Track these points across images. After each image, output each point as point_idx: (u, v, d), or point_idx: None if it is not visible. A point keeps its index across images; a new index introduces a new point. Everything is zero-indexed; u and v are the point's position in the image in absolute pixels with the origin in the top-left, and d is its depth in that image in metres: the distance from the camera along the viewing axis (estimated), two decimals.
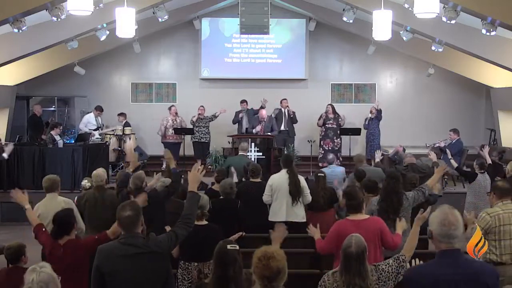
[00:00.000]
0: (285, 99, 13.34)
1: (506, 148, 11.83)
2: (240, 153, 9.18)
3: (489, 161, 8.68)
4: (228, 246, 3.41)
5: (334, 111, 13.29)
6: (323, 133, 13.25)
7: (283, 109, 13.27)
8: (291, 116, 13.19)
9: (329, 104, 13.52)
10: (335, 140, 13.13)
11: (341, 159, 12.93)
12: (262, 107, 12.92)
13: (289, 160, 7.20)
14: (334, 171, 8.72)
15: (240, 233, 5.93)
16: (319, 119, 13.33)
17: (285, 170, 7.02)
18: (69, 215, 4.69)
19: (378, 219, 4.88)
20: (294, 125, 13.38)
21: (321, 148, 13.22)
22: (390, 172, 5.93)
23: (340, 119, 13.23)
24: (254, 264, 3.03)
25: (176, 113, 13.43)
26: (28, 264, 5.15)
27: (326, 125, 13.18)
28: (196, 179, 4.10)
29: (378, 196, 5.76)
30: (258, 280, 3.04)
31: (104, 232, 4.64)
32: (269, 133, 12.17)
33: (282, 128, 13.16)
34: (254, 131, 12.37)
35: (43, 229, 4.71)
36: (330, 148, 12.95)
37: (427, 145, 12.20)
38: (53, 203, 5.71)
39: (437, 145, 11.78)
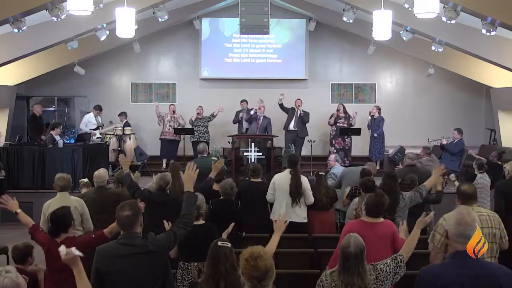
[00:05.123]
0: (298, 99, 13.27)
1: (506, 149, 11.80)
2: (199, 156, 8.93)
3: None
4: (219, 243, 3.43)
5: (345, 111, 13.28)
6: (334, 133, 13.21)
7: (296, 109, 13.17)
8: (301, 115, 13.07)
9: (340, 104, 13.50)
10: (346, 140, 13.12)
11: (350, 158, 12.95)
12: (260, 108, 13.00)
13: (294, 160, 7.18)
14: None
15: (232, 224, 5.48)
16: (330, 118, 13.33)
17: (289, 170, 7.02)
18: (66, 213, 4.68)
19: (391, 222, 4.78)
20: (306, 125, 13.24)
21: (332, 148, 13.17)
22: (388, 172, 5.93)
23: (350, 119, 13.18)
24: (242, 265, 3.01)
25: (174, 112, 13.55)
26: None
27: (337, 124, 13.14)
28: (191, 179, 4.12)
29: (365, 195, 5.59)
30: (247, 282, 3.01)
31: (101, 231, 4.63)
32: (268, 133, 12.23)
33: (291, 128, 13.11)
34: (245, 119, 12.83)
35: (40, 229, 4.72)
36: (341, 147, 12.98)
37: (430, 141, 12.18)
38: (66, 201, 5.66)
39: (439, 142, 11.76)
